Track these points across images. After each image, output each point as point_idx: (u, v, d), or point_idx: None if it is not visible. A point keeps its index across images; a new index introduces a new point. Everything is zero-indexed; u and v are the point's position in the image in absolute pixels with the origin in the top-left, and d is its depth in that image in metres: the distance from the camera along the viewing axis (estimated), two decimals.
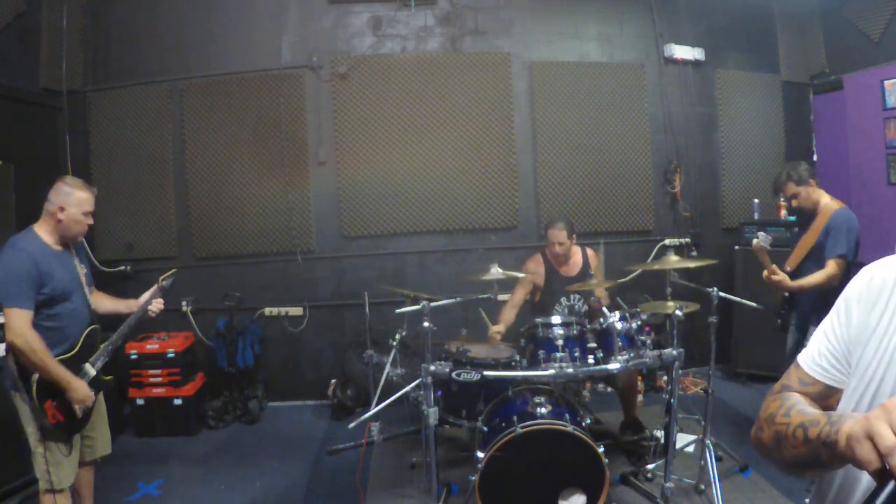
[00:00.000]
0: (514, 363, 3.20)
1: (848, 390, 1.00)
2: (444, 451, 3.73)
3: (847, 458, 0.79)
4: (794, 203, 3.35)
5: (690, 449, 3.56)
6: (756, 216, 5.12)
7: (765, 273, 3.17)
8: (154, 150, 4.81)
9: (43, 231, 2.59)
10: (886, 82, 4.62)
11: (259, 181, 4.82)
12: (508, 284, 3.81)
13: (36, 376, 2.46)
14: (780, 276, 3.15)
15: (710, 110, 5.36)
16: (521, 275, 3.67)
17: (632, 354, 2.98)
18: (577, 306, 3.88)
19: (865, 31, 4.86)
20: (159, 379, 4.29)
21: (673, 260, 3.29)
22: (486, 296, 3.59)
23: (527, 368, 3.09)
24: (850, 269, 3.07)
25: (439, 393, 3.26)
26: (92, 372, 2.67)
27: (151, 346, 4.33)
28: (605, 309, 3.26)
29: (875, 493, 0.72)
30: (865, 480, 0.89)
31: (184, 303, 4.75)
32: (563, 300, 3.88)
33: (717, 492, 3.00)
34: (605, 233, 5.08)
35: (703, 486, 3.19)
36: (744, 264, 4.90)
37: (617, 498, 3.16)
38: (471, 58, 4.95)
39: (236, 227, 4.85)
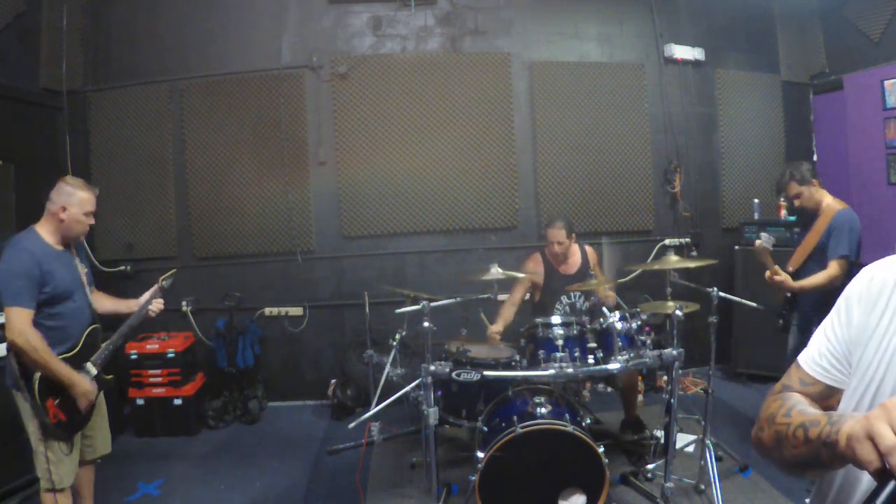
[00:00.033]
0: (514, 363, 3.20)
1: (848, 390, 1.00)
2: (444, 451, 3.73)
3: (847, 458, 0.79)
4: (797, 203, 3.34)
5: (690, 449, 3.56)
6: (756, 216, 5.12)
7: (767, 273, 3.17)
8: (154, 150, 4.81)
9: (45, 231, 2.60)
10: (886, 82, 4.62)
11: (259, 181, 4.82)
12: (508, 284, 3.81)
13: (38, 375, 2.46)
14: (783, 277, 3.15)
15: (710, 110, 5.36)
16: (520, 275, 3.67)
17: (632, 354, 2.98)
18: (578, 304, 3.87)
19: (865, 31, 4.86)
20: (159, 379, 4.29)
21: (673, 260, 3.29)
22: (486, 296, 3.59)
23: (527, 368, 3.09)
24: (852, 269, 3.07)
25: (439, 393, 3.26)
26: (93, 371, 2.68)
27: (151, 346, 4.33)
28: (605, 309, 3.26)
29: (875, 493, 0.73)
30: (866, 480, 0.89)
31: (184, 303, 4.75)
32: (564, 298, 3.88)
33: (717, 492, 3.00)
34: (605, 233, 5.08)
35: (703, 486, 3.19)
36: (744, 264, 4.91)
37: (617, 498, 3.16)
38: (471, 58, 4.95)
39: (236, 227, 4.85)
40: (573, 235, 3.87)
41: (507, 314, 3.75)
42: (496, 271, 3.33)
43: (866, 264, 1.06)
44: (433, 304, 3.12)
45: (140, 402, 4.30)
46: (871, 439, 0.73)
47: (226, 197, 4.83)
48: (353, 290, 4.88)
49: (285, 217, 4.83)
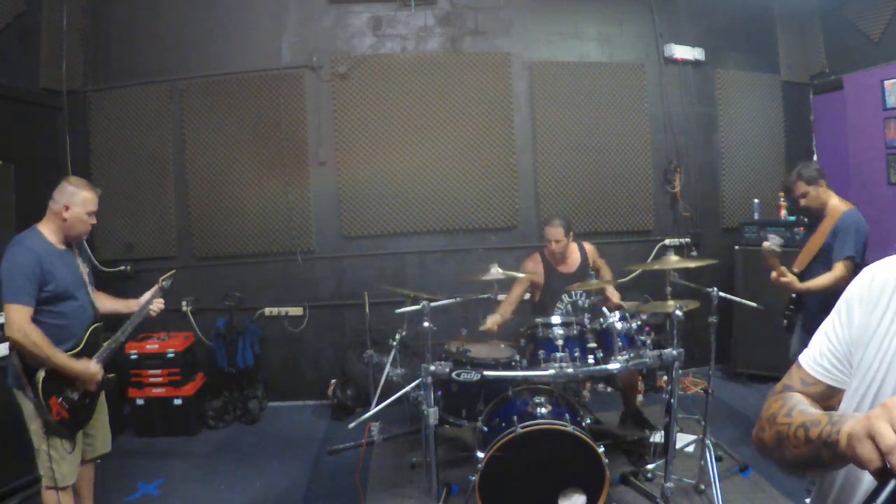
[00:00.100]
0: (514, 363, 3.20)
1: (849, 391, 1.00)
2: (444, 451, 3.73)
3: (848, 458, 0.79)
4: (803, 202, 3.32)
5: (690, 449, 3.56)
6: (756, 216, 5.12)
7: (773, 275, 3.16)
8: (154, 150, 4.81)
9: (47, 230, 2.62)
10: (886, 82, 4.62)
11: (259, 181, 4.82)
12: (508, 284, 3.81)
13: (41, 374, 2.48)
14: (789, 278, 3.14)
15: (710, 110, 5.36)
16: (520, 275, 3.68)
17: (632, 354, 2.98)
18: (580, 302, 3.87)
19: (865, 31, 4.86)
20: (159, 379, 4.29)
21: (673, 260, 3.28)
22: (486, 296, 3.59)
23: (527, 368, 3.09)
24: (858, 271, 3.06)
25: (439, 393, 3.26)
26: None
27: (151, 346, 4.33)
28: (605, 309, 3.26)
29: (876, 492, 0.73)
30: (867, 480, 0.89)
31: (184, 303, 4.75)
32: (565, 297, 3.87)
33: (717, 492, 3.00)
34: (605, 233, 5.09)
35: (703, 486, 3.19)
36: (744, 264, 4.91)
37: (617, 498, 3.16)
38: (471, 58, 4.95)
39: (236, 227, 4.84)
40: (571, 234, 3.87)
41: (505, 312, 3.75)
42: (496, 271, 3.33)
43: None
44: (433, 304, 3.12)
45: (140, 401, 4.30)
46: (872, 438, 0.73)
47: (226, 197, 4.83)
48: (353, 290, 4.88)
49: (285, 217, 4.83)
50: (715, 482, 3.04)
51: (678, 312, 2.90)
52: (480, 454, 2.75)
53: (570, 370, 2.86)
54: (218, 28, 4.84)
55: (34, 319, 2.46)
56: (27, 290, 2.44)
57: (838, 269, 3.10)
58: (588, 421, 2.99)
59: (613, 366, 2.93)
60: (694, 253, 5.17)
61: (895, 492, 0.71)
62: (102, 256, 4.77)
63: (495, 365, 3.16)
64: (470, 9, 5.00)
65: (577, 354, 2.99)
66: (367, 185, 4.86)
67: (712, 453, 3.18)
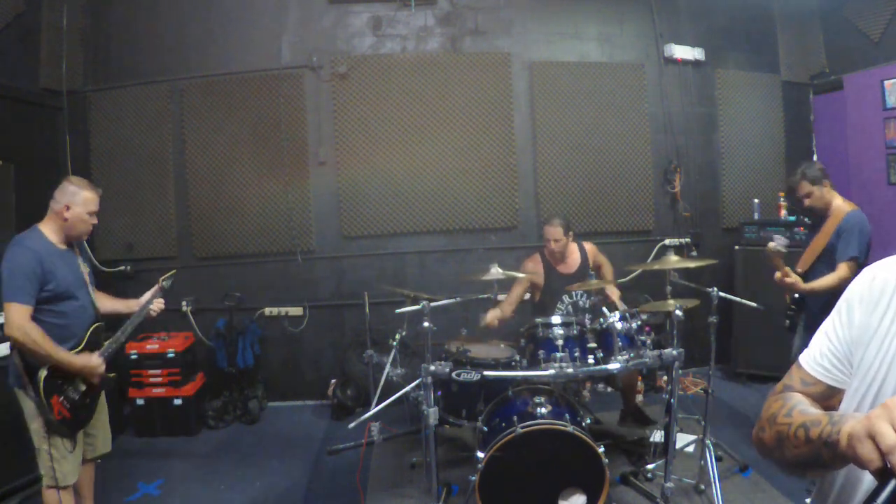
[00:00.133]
0: (514, 363, 3.20)
1: (850, 391, 1.00)
2: (444, 451, 3.73)
3: (848, 458, 0.79)
4: (807, 202, 3.32)
5: (690, 449, 3.56)
6: (756, 216, 5.12)
7: (777, 275, 3.16)
8: (154, 150, 4.81)
9: (48, 230, 2.63)
10: (886, 82, 4.62)
11: (259, 181, 4.82)
12: (508, 284, 3.81)
13: (43, 373, 2.48)
14: (794, 279, 3.13)
15: (710, 110, 5.36)
16: (520, 275, 3.67)
17: (632, 354, 2.98)
18: (580, 302, 3.87)
19: (865, 31, 4.86)
20: (159, 379, 4.29)
21: (673, 260, 3.28)
22: (486, 296, 3.58)
23: (527, 368, 3.10)
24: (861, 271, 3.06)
25: (439, 393, 3.26)
26: None
27: (151, 346, 4.33)
28: (605, 308, 3.26)
29: (876, 492, 0.73)
30: (867, 480, 0.89)
31: (184, 303, 4.74)
32: (566, 297, 3.87)
33: (717, 492, 3.00)
34: (605, 233, 5.09)
35: (703, 486, 3.19)
36: (744, 264, 4.91)
37: (617, 498, 3.16)
38: (471, 58, 4.95)
39: (236, 227, 4.84)
40: (570, 234, 3.86)
41: (506, 310, 3.75)
42: (496, 271, 3.33)
43: None
44: (433, 304, 3.12)
45: (140, 402, 4.30)
46: (873, 438, 0.73)
47: (226, 197, 4.83)
48: (353, 290, 4.88)
49: (285, 217, 4.83)
50: (715, 482, 3.04)
51: (678, 312, 2.90)
52: (480, 454, 2.75)
53: (570, 370, 2.86)
54: (218, 28, 4.84)
55: (35, 319, 2.47)
56: (27, 290, 2.45)
57: (842, 269, 3.09)
58: (588, 421, 2.99)
59: (613, 366, 2.93)
60: (694, 253, 5.17)
61: (895, 492, 0.71)
62: (102, 256, 4.77)
63: (495, 365, 3.16)
64: (470, 9, 5.00)
65: (577, 354, 2.99)
66: (367, 185, 4.86)
67: (712, 453, 3.18)
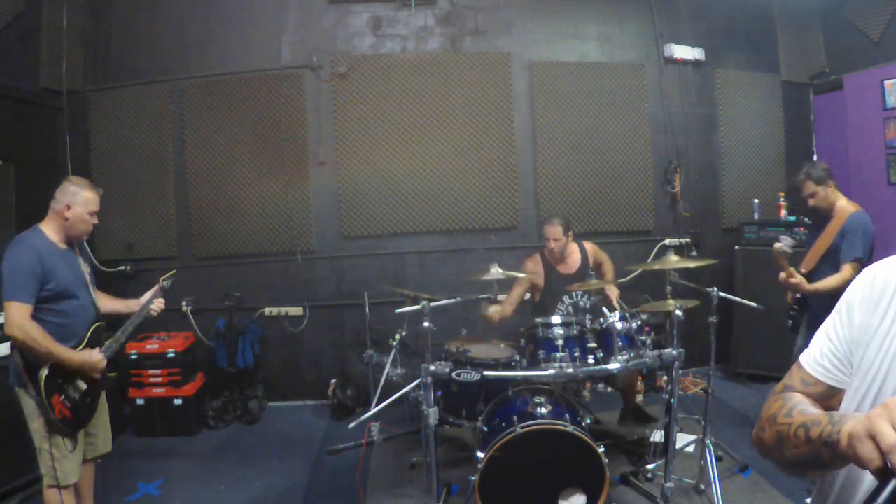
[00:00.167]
0: (514, 363, 3.20)
1: (850, 391, 1.00)
2: (444, 451, 3.73)
3: (849, 458, 0.79)
4: (811, 202, 3.31)
5: (690, 449, 3.56)
6: (756, 216, 5.12)
7: (782, 275, 3.15)
8: (154, 150, 4.81)
9: (49, 229, 2.64)
10: (886, 82, 4.63)
11: (259, 181, 4.82)
12: (508, 284, 3.81)
13: (44, 372, 2.49)
14: (798, 280, 3.12)
15: (710, 110, 5.36)
16: (520, 275, 3.67)
17: (632, 354, 2.98)
18: (581, 302, 3.87)
19: (865, 31, 4.87)
20: (159, 379, 4.29)
21: (673, 260, 3.28)
22: (486, 296, 3.58)
23: (527, 368, 3.10)
24: None
25: (439, 393, 3.26)
26: None
27: (151, 346, 4.33)
28: (605, 308, 3.26)
29: (877, 492, 0.73)
30: (868, 480, 0.89)
31: (184, 303, 4.74)
32: (566, 298, 3.87)
33: (717, 492, 3.00)
34: (605, 233, 5.09)
35: (703, 486, 3.19)
36: (744, 264, 4.91)
37: (617, 498, 3.16)
38: (471, 58, 4.95)
39: (236, 227, 4.84)
40: (570, 233, 3.86)
41: (506, 310, 3.76)
42: (496, 271, 3.32)
43: None
44: (433, 304, 3.12)
45: (140, 402, 4.30)
46: (873, 438, 0.73)
47: (226, 197, 4.83)
48: (353, 290, 4.88)
49: (285, 217, 4.83)
50: (715, 482, 3.04)
51: (678, 312, 2.90)
52: (480, 454, 2.75)
53: (570, 370, 2.85)
54: (218, 28, 4.84)
55: (36, 318, 2.47)
56: (27, 288, 2.45)
57: (846, 270, 3.09)
58: (588, 421, 2.99)
59: (613, 366, 2.93)
60: (694, 253, 5.17)
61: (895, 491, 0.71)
62: (102, 256, 4.76)
63: (495, 365, 3.16)
64: (470, 9, 5.00)
65: (577, 354, 2.99)
66: (367, 185, 4.86)
67: (712, 453, 3.18)
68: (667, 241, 5.23)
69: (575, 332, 3.05)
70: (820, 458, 0.87)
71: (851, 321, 1.02)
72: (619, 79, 5.13)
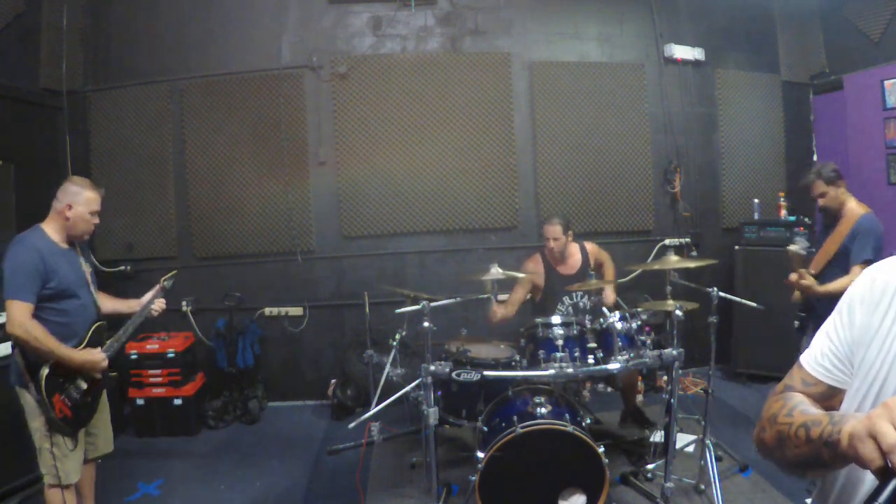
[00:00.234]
0: (514, 363, 3.20)
1: (851, 391, 1.00)
2: (444, 451, 3.73)
3: (849, 458, 0.79)
4: (821, 202, 3.30)
5: (690, 449, 3.56)
6: (756, 216, 5.12)
7: (793, 276, 3.14)
8: (154, 150, 4.81)
9: (50, 229, 2.64)
10: (886, 82, 4.63)
11: (259, 181, 4.82)
12: (508, 284, 3.81)
13: (45, 371, 2.49)
14: (810, 282, 3.11)
15: (710, 110, 5.36)
16: (520, 275, 3.67)
17: (632, 354, 2.98)
18: (581, 303, 3.87)
19: (865, 31, 4.87)
20: (159, 379, 4.29)
21: (673, 260, 3.28)
22: (486, 296, 3.58)
23: (527, 368, 3.10)
24: None
25: (439, 393, 3.26)
26: None
27: (151, 346, 4.33)
28: (605, 308, 3.26)
29: (877, 492, 0.73)
30: (868, 480, 0.89)
31: (184, 303, 4.74)
32: (566, 298, 3.87)
33: (717, 492, 3.00)
34: (605, 233, 5.09)
35: (703, 486, 3.19)
36: (744, 264, 4.91)
37: (617, 498, 3.16)
38: (471, 58, 4.95)
39: (236, 227, 4.84)
40: (570, 233, 3.86)
41: (508, 311, 3.76)
42: (496, 271, 3.32)
43: None
44: (433, 304, 3.13)
45: (140, 401, 4.30)
46: (874, 438, 0.73)
47: (226, 197, 4.83)
48: (353, 290, 4.88)
49: (285, 217, 4.83)
50: (715, 482, 3.04)
51: (678, 312, 2.90)
52: (480, 454, 2.75)
53: (570, 370, 2.85)
54: (218, 28, 4.84)
55: (37, 317, 2.47)
56: (28, 287, 2.46)
57: (855, 272, 3.07)
58: (588, 421, 2.99)
59: (613, 366, 2.93)
60: (694, 253, 5.17)
61: None
62: (102, 256, 4.76)
63: (495, 365, 3.16)
64: (470, 9, 5.00)
65: (577, 354, 2.99)
66: (367, 185, 4.86)
67: (712, 453, 3.18)
68: (667, 241, 5.23)
69: (575, 332, 3.05)
70: (820, 457, 0.87)
71: (852, 322, 1.02)
72: (619, 79, 5.13)
